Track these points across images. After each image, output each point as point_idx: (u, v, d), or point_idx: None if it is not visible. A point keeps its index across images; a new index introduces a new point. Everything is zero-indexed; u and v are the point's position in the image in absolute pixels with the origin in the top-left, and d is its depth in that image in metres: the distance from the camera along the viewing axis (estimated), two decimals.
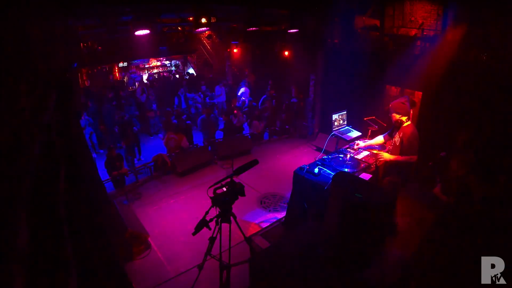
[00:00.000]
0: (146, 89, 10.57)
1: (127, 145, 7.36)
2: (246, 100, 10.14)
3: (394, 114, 3.85)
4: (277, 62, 11.05)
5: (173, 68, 14.58)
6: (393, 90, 7.19)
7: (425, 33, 6.12)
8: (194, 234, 2.78)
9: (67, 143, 2.16)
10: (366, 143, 4.61)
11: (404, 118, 3.78)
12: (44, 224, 1.29)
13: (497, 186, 3.78)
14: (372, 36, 7.34)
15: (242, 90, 10.76)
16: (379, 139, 4.48)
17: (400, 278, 3.32)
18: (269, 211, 5.40)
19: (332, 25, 8.03)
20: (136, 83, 11.32)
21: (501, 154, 4.28)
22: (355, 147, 4.59)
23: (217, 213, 2.87)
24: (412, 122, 3.94)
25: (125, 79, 12.74)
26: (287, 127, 9.16)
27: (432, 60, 5.69)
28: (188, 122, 8.43)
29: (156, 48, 9.79)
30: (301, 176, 4.11)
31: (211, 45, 14.07)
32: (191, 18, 7.53)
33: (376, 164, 4.19)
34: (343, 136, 4.76)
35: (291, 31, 8.03)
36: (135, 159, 7.80)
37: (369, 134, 5.01)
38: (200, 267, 3.23)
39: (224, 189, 2.84)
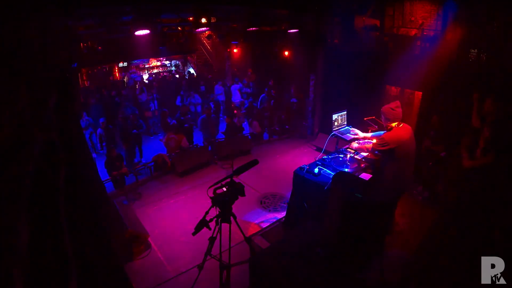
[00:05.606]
0: (146, 88, 10.58)
1: (128, 148, 7.35)
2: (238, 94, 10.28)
3: (384, 119, 3.79)
4: (277, 62, 11.05)
5: (173, 68, 14.56)
6: (393, 90, 7.19)
7: (425, 33, 6.13)
8: (194, 234, 2.78)
9: (67, 143, 2.16)
10: (363, 135, 4.60)
11: (394, 124, 3.68)
12: (44, 224, 1.29)
13: (497, 186, 3.78)
14: (372, 36, 7.34)
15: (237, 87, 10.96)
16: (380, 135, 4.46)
17: (400, 278, 3.32)
18: (269, 211, 5.40)
19: (332, 25, 8.04)
20: (137, 84, 11.35)
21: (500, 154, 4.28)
22: (355, 141, 4.58)
23: (217, 213, 2.87)
24: (405, 124, 3.78)
25: (125, 79, 12.73)
26: (287, 127, 9.15)
27: (432, 60, 5.69)
28: (186, 124, 8.40)
29: (156, 48, 9.77)
30: (301, 176, 4.11)
31: (211, 45, 14.06)
32: (191, 18, 7.52)
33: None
34: (343, 136, 4.75)
35: (291, 31, 8.03)
36: (135, 159, 7.78)
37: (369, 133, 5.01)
38: (200, 267, 3.23)
39: (224, 189, 2.84)
